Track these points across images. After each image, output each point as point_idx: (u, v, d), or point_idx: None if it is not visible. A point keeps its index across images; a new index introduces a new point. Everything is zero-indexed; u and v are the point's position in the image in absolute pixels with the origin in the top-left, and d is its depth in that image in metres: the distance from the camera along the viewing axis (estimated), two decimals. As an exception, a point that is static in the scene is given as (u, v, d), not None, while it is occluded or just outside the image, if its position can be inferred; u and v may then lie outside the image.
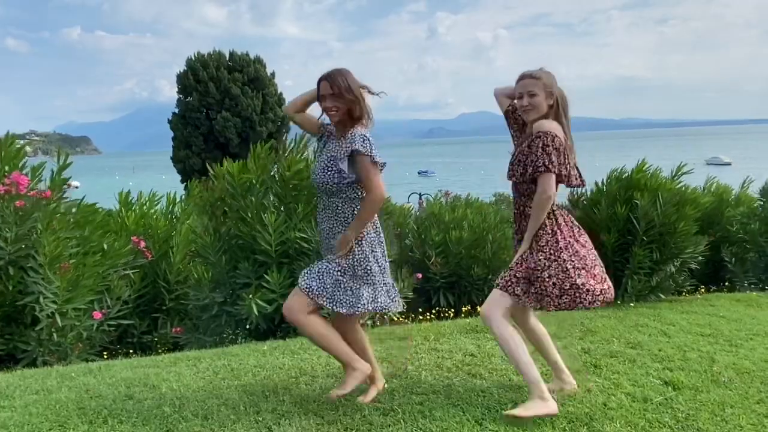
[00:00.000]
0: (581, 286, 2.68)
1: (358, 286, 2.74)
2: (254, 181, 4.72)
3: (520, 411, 2.62)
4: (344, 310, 2.71)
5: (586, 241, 2.84)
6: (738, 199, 7.53)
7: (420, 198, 16.60)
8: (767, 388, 3.15)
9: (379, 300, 2.78)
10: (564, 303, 2.70)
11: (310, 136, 4.44)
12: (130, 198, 5.71)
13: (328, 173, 2.71)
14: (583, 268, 2.72)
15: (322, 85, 2.73)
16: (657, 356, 3.64)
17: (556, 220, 2.77)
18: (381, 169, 2.76)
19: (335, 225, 2.78)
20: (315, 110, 2.89)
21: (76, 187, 4.85)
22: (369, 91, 2.82)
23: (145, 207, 5.72)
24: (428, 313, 5.59)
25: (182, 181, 30.62)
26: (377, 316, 4.79)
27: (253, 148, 4.80)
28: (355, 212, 2.74)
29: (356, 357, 2.82)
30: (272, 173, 4.82)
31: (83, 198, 4.82)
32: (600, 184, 6.10)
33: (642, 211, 5.51)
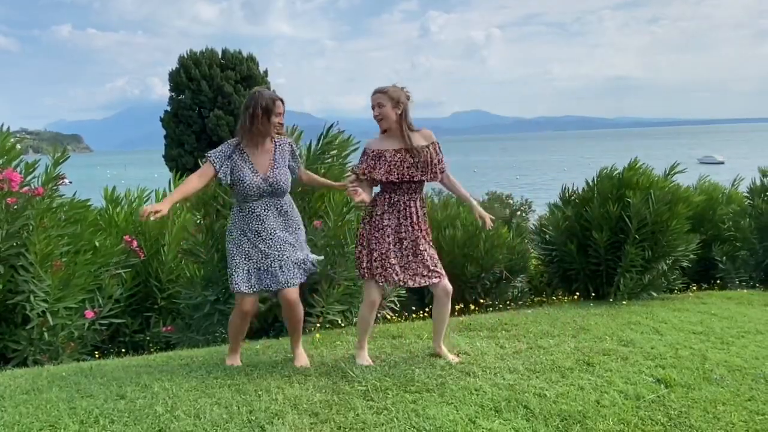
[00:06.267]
0: None
1: None
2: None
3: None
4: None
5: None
6: (729, 198, 7.59)
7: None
8: (759, 385, 3.18)
9: None
10: None
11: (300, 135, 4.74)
12: (116, 195, 5.66)
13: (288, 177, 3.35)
14: None
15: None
16: (649, 354, 3.66)
17: None
18: None
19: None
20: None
21: (70, 182, 4.82)
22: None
23: (134, 204, 5.67)
24: (421, 312, 5.59)
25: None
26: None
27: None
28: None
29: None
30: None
31: (75, 194, 4.78)
32: (592, 182, 6.12)
33: (634, 209, 5.53)
